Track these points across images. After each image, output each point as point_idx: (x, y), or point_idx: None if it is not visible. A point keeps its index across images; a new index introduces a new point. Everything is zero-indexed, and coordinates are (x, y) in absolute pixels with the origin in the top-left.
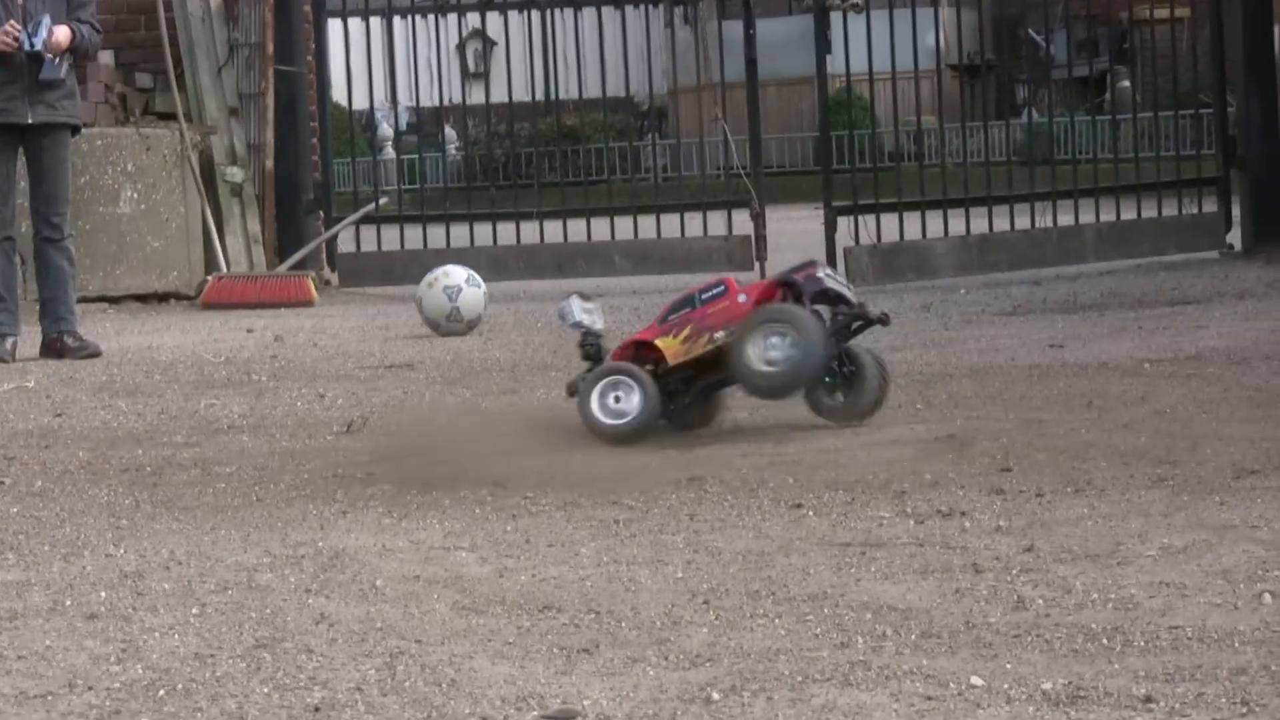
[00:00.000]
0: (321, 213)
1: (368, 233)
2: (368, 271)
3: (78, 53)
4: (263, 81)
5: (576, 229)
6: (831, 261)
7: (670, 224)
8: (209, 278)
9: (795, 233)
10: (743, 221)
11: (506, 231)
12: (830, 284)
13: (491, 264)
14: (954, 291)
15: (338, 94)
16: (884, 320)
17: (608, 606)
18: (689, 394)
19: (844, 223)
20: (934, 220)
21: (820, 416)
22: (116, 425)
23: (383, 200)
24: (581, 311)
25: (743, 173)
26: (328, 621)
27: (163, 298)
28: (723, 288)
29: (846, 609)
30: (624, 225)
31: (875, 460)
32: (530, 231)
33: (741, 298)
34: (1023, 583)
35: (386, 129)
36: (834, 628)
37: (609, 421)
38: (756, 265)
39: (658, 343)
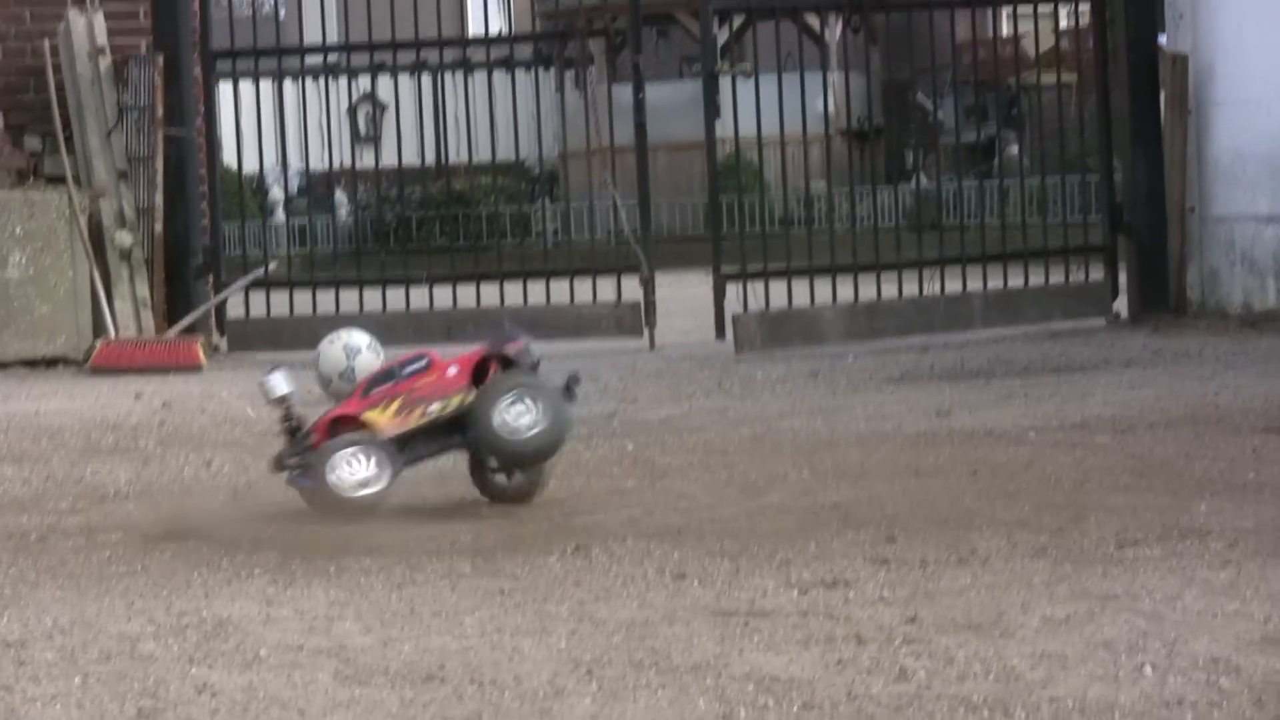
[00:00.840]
0: (211, 277)
1: (257, 297)
2: (256, 336)
3: None
4: (152, 144)
5: (466, 294)
6: (720, 329)
7: (560, 289)
8: (97, 342)
9: (685, 299)
10: (633, 287)
11: (396, 296)
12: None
13: (380, 329)
14: (842, 358)
15: (228, 157)
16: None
17: (490, 676)
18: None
19: (733, 289)
20: (823, 286)
21: (486, 496)
22: (1, 492)
23: (271, 265)
24: (287, 384)
25: (632, 238)
26: (210, 691)
27: (50, 363)
28: (426, 361)
29: (729, 679)
30: (513, 290)
31: (760, 530)
32: (420, 296)
33: (451, 370)
34: (905, 654)
35: (277, 192)
36: (716, 698)
37: (354, 494)
38: (645, 331)
39: (364, 416)
